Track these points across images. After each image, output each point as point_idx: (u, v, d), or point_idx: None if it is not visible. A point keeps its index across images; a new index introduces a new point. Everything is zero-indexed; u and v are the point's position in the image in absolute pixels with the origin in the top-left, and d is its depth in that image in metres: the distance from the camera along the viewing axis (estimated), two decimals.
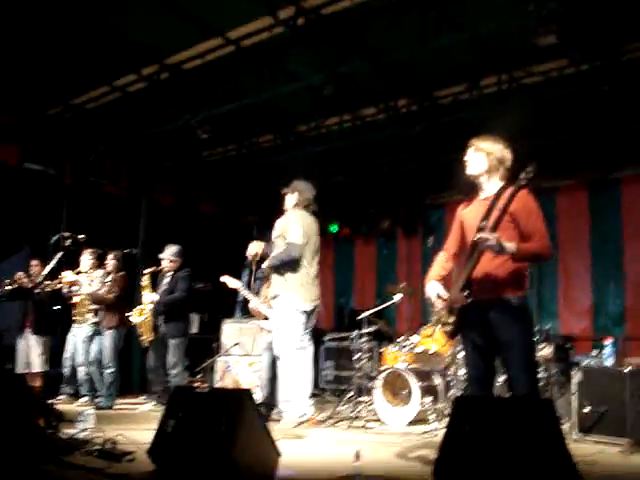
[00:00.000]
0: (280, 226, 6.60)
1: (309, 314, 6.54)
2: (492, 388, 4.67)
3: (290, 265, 6.45)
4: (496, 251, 4.18)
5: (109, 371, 8.49)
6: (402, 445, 6.19)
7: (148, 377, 8.81)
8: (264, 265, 6.78)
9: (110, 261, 8.78)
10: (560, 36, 6.52)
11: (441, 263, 4.83)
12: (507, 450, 3.53)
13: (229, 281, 7.86)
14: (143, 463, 4.55)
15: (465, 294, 4.38)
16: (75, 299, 8.76)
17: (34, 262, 8.95)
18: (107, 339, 8.54)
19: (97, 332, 8.68)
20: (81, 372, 8.70)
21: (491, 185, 4.52)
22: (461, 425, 3.76)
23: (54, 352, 8.99)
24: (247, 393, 4.39)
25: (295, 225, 6.47)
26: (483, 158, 4.51)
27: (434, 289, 4.62)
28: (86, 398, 8.65)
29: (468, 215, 4.64)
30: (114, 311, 8.58)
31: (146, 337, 8.56)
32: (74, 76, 9.00)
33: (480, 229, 4.27)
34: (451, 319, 4.49)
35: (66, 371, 8.87)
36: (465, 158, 4.60)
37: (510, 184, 4.32)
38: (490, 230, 4.20)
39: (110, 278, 8.67)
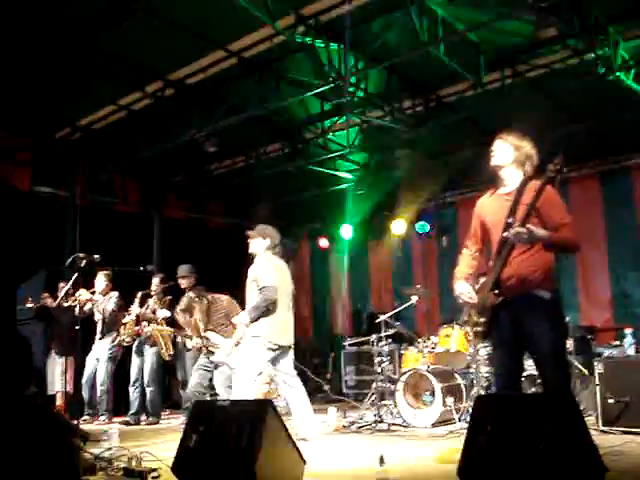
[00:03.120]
0: (252, 272, 6.65)
1: (278, 353, 6.53)
2: (519, 386, 4.64)
3: (268, 306, 6.50)
4: (530, 241, 4.18)
5: (152, 388, 8.86)
6: (427, 446, 6.18)
7: (180, 392, 8.92)
8: (244, 320, 6.72)
9: (158, 285, 9.02)
10: (559, 28, 6.47)
11: (466, 261, 4.76)
12: (530, 446, 3.50)
13: None
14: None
15: (495, 292, 4.36)
16: (125, 320, 8.98)
17: (61, 284, 9.08)
18: (152, 357, 8.91)
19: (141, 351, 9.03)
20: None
21: (514, 179, 4.48)
22: (483, 424, 3.74)
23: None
24: (268, 403, 4.38)
25: (266, 268, 6.56)
26: (510, 150, 4.48)
27: (463, 289, 4.57)
28: (104, 417, 8.87)
29: (489, 210, 4.60)
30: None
31: (165, 351, 8.72)
32: (79, 97, 9.05)
33: (508, 225, 4.27)
34: (482, 319, 4.47)
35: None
36: (492, 149, 4.54)
37: (533, 177, 4.34)
38: (519, 226, 4.16)
39: (153, 300, 8.98)
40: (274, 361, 6.60)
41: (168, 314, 8.76)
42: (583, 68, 7.84)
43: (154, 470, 4.96)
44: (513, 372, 4.48)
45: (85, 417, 8.96)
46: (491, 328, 4.45)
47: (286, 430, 4.44)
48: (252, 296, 6.63)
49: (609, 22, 7.34)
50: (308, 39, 7.52)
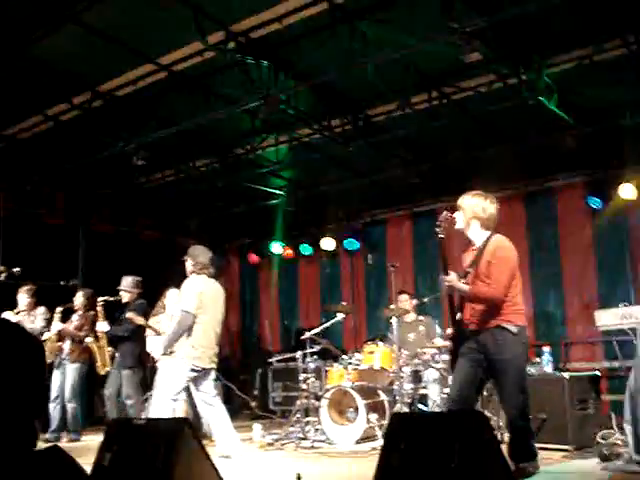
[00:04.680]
0: (181, 291, 6.75)
1: (201, 373, 6.54)
2: (475, 402, 5.31)
3: (183, 330, 6.54)
4: (453, 290, 5.07)
5: (74, 405, 8.70)
6: (348, 464, 6.22)
7: (106, 407, 8.74)
8: (159, 350, 6.96)
9: (79, 299, 8.77)
10: (484, 53, 6.63)
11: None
12: (443, 465, 3.55)
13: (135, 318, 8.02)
14: None
15: (453, 331, 5.18)
16: (44, 337, 8.75)
17: None
18: (73, 373, 8.75)
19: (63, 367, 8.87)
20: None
21: (478, 235, 5.28)
22: (397, 442, 3.77)
23: None
24: (185, 421, 4.33)
25: (189, 292, 6.59)
26: (461, 215, 5.29)
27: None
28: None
29: (464, 263, 5.33)
30: (79, 346, 8.81)
31: (101, 365, 8.58)
32: (5, 106, 8.84)
33: (466, 274, 5.15)
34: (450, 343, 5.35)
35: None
36: (453, 216, 5.32)
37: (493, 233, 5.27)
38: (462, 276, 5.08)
39: (79, 315, 8.91)
40: (194, 381, 6.56)
41: (107, 327, 8.58)
42: (507, 92, 8.05)
43: None
44: (469, 395, 5.08)
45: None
46: (455, 355, 5.17)
47: (203, 448, 4.40)
48: (176, 316, 6.69)
49: (533, 49, 7.57)
50: (238, 55, 7.52)
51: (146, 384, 8.46)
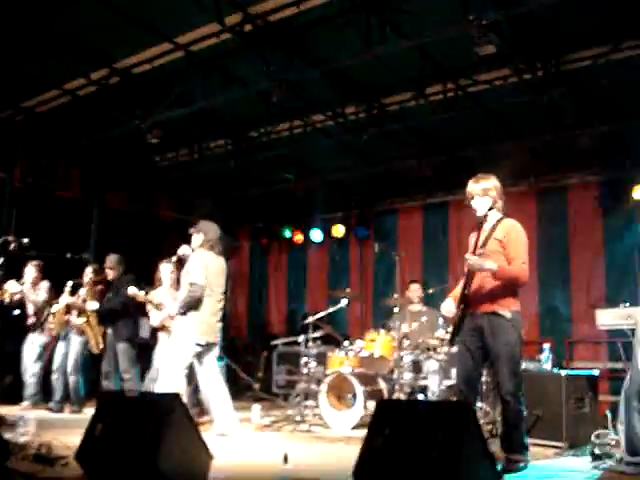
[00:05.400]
0: (186, 266, 6.80)
1: (205, 348, 6.61)
2: (477, 389, 5.58)
3: (194, 302, 6.60)
4: (478, 269, 5.06)
5: (75, 378, 8.77)
6: (340, 448, 6.29)
7: (102, 383, 8.83)
8: (174, 311, 7.03)
9: (88, 273, 8.90)
10: (498, 46, 6.61)
11: (461, 284, 5.41)
12: (424, 453, 3.59)
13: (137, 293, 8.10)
14: (76, 468, 4.56)
15: (461, 308, 5.20)
16: (53, 309, 8.93)
17: None
18: (78, 346, 8.82)
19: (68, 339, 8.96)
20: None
21: (491, 215, 5.31)
22: (381, 427, 3.82)
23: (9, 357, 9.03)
24: (176, 397, 4.41)
25: (197, 266, 6.65)
26: (486, 200, 5.28)
27: (445, 304, 5.46)
28: (28, 402, 8.79)
29: (471, 243, 5.35)
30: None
31: (94, 343, 8.66)
32: (24, 79, 8.93)
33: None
34: (449, 329, 5.48)
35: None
36: (470, 205, 5.36)
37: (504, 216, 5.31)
38: (479, 254, 5.08)
39: (86, 289, 8.91)
40: (198, 357, 6.64)
41: (97, 306, 8.69)
42: (522, 87, 8.03)
43: (63, 458, 4.98)
44: (472, 374, 5.24)
45: (27, 401, 8.92)
46: (454, 337, 5.35)
47: (193, 424, 4.48)
48: (184, 289, 6.73)
49: (549, 44, 7.55)
50: (254, 38, 7.55)
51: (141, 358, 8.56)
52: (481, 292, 5.15)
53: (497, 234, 5.15)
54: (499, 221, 5.22)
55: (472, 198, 5.33)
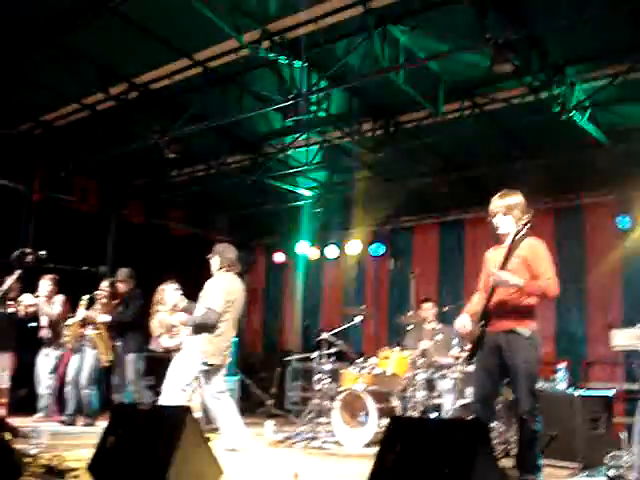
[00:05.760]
0: (206, 287, 6.69)
1: (212, 368, 6.58)
2: (493, 408, 5.60)
3: (205, 327, 6.55)
4: (504, 285, 5.01)
5: (88, 391, 8.83)
6: (352, 465, 6.26)
7: (112, 396, 8.86)
8: (181, 321, 6.98)
9: (104, 287, 9.00)
10: (516, 64, 6.62)
11: (476, 300, 5.49)
12: (435, 470, 3.57)
13: None
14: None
15: (481, 325, 5.15)
16: (69, 322, 8.99)
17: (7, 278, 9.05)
18: (92, 359, 8.86)
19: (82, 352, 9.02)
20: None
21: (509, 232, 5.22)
22: (393, 443, 3.80)
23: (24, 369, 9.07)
24: (187, 410, 4.41)
25: (216, 291, 6.57)
26: (509, 219, 5.20)
27: (461, 321, 5.35)
28: (41, 414, 8.86)
29: (491, 261, 5.35)
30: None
31: (104, 356, 8.69)
32: (44, 93, 9.03)
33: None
34: (469, 346, 5.33)
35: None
36: (493, 221, 5.30)
37: (525, 235, 5.09)
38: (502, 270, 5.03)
39: (102, 303, 8.97)
40: (205, 374, 6.61)
41: (109, 318, 8.74)
42: (539, 105, 8.03)
43: (74, 470, 4.99)
44: (489, 392, 5.24)
45: (41, 413, 8.97)
46: (474, 354, 5.25)
47: (204, 439, 4.48)
48: (200, 309, 6.69)
49: (567, 62, 7.56)
50: (272, 55, 7.59)
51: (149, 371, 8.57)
52: (501, 309, 5.12)
53: (521, 252, 5.06)
54: (521, 239, 5.09)
55: (495, 215, 5.27)
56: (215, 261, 6.82)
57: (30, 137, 10.25)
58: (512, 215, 5.17)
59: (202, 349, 6.47)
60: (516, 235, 5.04)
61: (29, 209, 10.65)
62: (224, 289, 6.60)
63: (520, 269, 5.05)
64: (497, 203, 5.25)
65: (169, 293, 7.99)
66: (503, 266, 5.04)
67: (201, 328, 6.50)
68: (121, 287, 8.78)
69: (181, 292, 8.00)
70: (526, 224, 4.98)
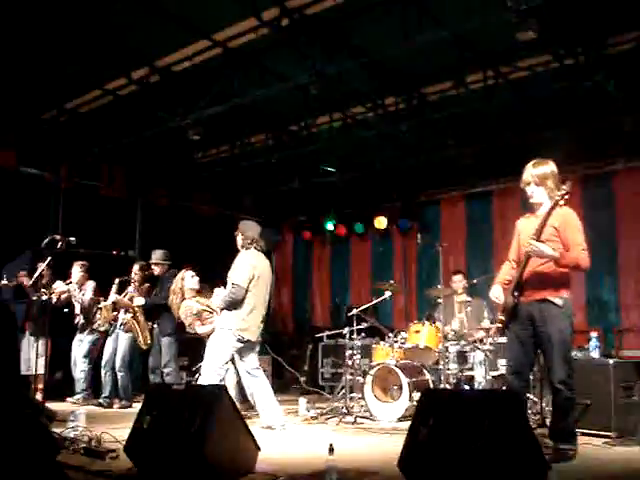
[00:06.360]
0: (233, 265, 6.79)
1: (246, 344, 6.64)
2: (528, 379, 5.57)
3: (235, 303, 6.62)
4: (540, 255, 5.01)
5: (123, 374, 8.98)
6: (387, 440, 6.29)
7: (149, 377, 8.97)
8: (215, 304, 7.08)
9: (137, 272, 9.10)
10: (539, 31, 6.52)
11: (506, 270, 5.55)
12: (469, 443, 3.57)
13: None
14: (126, 460, 4.64)
15: (514, 295, 5.19)
16: (100, 306, 9.20)
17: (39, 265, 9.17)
18: (125, 342, 9.03)
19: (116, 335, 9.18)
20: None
21: (545, 203, 5.22)
22: (426, 417, 3.81)
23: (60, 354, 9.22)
24: (223, 389, 4.45)
25: (241, 267, 6.69)
26: (542, 190, 5.21)
27: (495, 292, 5.40)
28: (78, 397, 9.05)
29: (523, 229, 5.38)
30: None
31: (142, 339, 8.79)
32: (67, 80, 9.05)
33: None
34: (501, 317, 5.31)
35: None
36: (526, 190, 5.31)
37: (558, 203, 5.03)
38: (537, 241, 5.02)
39: (134, 287, 9.12)
40: (239, 352, 6.69)
41: (143, 302, 8.83)
42: (564, 73, 7.91)
43: (112, 451, 5.07)
44: (523, 363, 5.23)
45: (77, 397, 9.16)
46: (508, 325, 5.29)
47: (240, 416, 4.52)
48: (227, 287, 6.79)
49: (590, 28, 7.42)
50: (292, 32, 7.55)
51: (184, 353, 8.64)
52: (534, 279, 5.14)
53: (552, 221, 5.06)
54: (553, 208, 5.07)
55: (528, 184, 5.26)
56: (239, 239, 6.91)
57: (56, 124, 10.29)
58: (545, 185, 5.18)
59: (236, 327, 6.55)
60: (554, 206, 5.01)
61: (57, 197, 10.77)
62: (249, 265, 6.69)
63: (552, 240, 5.06)
64: (531, 171, 5.24)
65: (188, 280, 8.06)
66: (538, 236, 5.03)
67: (231, 305, 6.58)
68: (156, 269, 8.87)
69: (197, 279, 8.11)
70: (564, 195, 4.94)
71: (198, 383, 6.76)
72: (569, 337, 5.13)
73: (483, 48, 7.97)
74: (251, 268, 6.69)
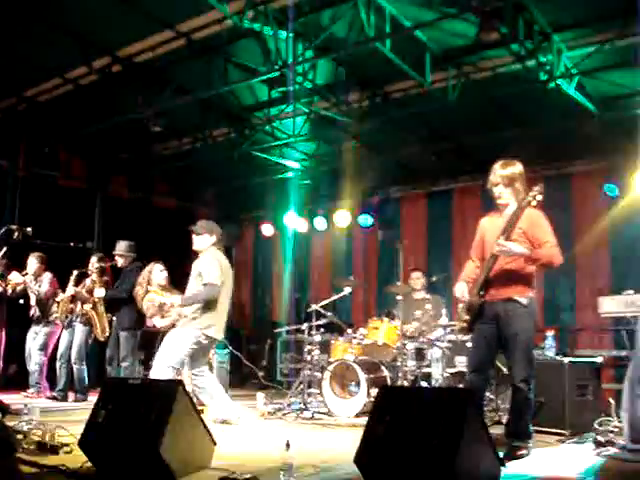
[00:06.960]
0: (198, 266, 6.66)
1: (210, 343, 6.61)
2: (488, 377, 5.58)
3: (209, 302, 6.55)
4: (510, 254, 5.03)
5: (79, 366, 8.88)
6: (342, 435, 6.31)
7: (106, 369, 8.85)
8: (177, 302, 6.82)
9: (95, 264, 8.93)
10: (502, 32, 6.58)
11: (470, 269, 5.57)
12: (424, 440, 3.59)
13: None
14: (80, 455, 4.57)
15: (480, 294, 5.20)
16: (58, 298, 9.09)
17: None
18: (82, 334, 8.94)
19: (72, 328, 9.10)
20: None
21: (511, 204, 5.27)
22: (383, 414, 3.82)
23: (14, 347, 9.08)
24: (179, 383, 4.41)
25: (212, 265, 6.57)
26: (508, 191, 5.24)
27: (460, 289, 5.41)
28: (32, 390, 8.89)
29: (489, 229, 5.42)
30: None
31: (100, 330, 8.69)
32: (26, 68, 8.91)
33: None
34: (466, 317, 5.31)
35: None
36: (494, 191, 5.32)
37: (525, 205, 5.08)
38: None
39: (91, 279, 8.97)
40: (197, 352, 6.60)
41: (103, 293, 8.72)
42: (526, 74, 7.97)
43: (66, 445, 4.99)
44: (486, 360, 5.30)
45: (32, 390, 9.05)
46: (472, 324, 5.30)
47: (196, 411, 4.48)
48: (194, 288, 6.67)
49: (554, 30, 7.49)
50: (257, 25, 7.50)
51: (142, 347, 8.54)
52: (501, 277, 5.16)
53: (521, 224, 5.09)
54: (524, 209, 5.09)
55: (496, 185, 5.26)
56: (204, 239, 6.80)
57: (14, 113, 10.12)
58: (513, 186, 5.20)
59: (205, 324, 6.47)
60: (525, 207, 5.04)
61: (14, 186, 10.60)
62: (219, 264, 6.63)
63: (519, 240, 5.09)
64: (499, 172, 5.24)
65: (156, 274, 7.98)
66: (508, 236, 5.06)
67: (207, 304, 6.51)
68: (119, 261, 8.70)
69: (166, 274, 8.04)
70: (535, 196, 4.97)
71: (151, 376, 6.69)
72: (532, 337, 5.19)
73: (446, 47, 8.01)
74: (221, 268, 6.64)
